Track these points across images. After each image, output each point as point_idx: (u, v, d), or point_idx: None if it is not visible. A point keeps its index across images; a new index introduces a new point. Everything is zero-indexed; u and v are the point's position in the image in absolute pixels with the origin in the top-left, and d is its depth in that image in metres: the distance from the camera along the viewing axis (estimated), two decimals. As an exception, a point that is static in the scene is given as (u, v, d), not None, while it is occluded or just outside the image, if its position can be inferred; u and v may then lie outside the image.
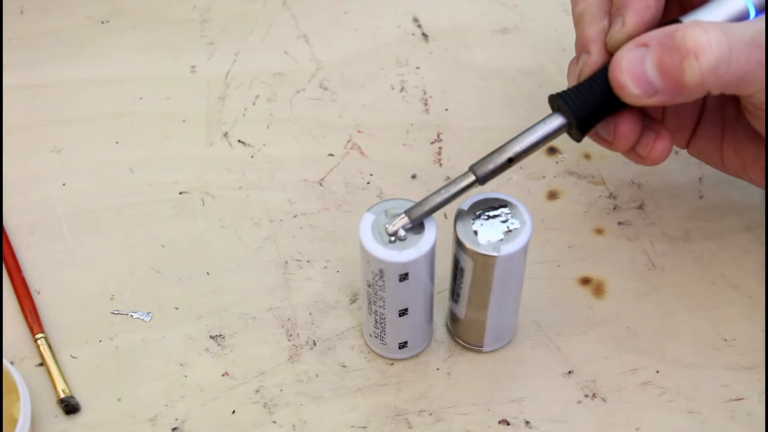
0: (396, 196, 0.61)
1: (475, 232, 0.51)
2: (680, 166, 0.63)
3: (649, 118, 0.53)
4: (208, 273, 0.59)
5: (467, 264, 0.51)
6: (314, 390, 0.55)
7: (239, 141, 0.64)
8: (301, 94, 0.66)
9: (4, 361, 0.53)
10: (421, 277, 0.51)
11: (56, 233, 0.60)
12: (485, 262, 0.51)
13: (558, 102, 0.51)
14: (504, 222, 0.51)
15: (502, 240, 0.51)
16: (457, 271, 0.53)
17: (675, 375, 0.55)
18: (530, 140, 0.51)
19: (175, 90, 0.67)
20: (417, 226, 0.50)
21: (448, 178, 0.62)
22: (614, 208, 0.61)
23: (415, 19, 0.70)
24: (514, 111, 0.66)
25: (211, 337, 0.57)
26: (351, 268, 0.59)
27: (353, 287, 0.58)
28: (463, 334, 0.56)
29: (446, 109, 0.66)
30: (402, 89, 0.67)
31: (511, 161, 0.50)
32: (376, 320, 0.53)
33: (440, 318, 0.57)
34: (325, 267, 0.59)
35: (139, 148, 0.64)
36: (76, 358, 0.56)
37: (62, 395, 0.54)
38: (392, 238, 0.50)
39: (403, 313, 0.53)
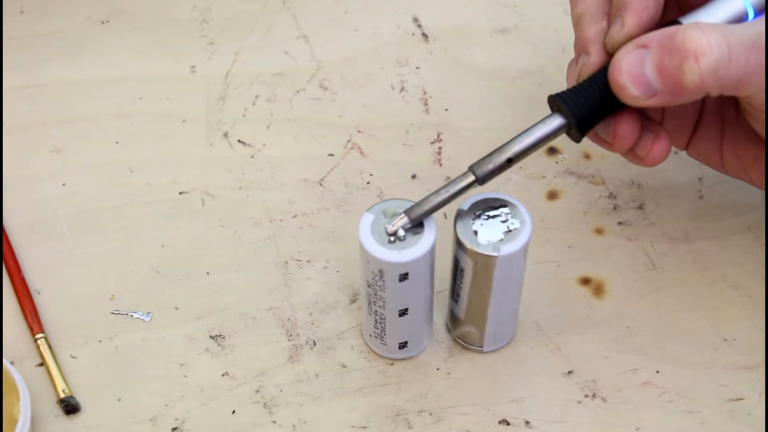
0: (396, 196, 0.61)
1: (475, 232, 0.51)
2: (680, 166, 0.63)
3: (648, 119, 0.53)
4: (208, 273, 0.59)
5: (467, 264, 0.51)
6: (314, 390, 0.55)
7: (239, 141, 0.64)
8: (301, 94, 0.66)
9: (4, 361, 0.53)
10: (421, 277, 0.51)
11: (56, 233, 0.61)
12: (485, 262, 0.51)
13: (557, 102, 0.51)
14: (504, 222, 0.51)
15: (502, 240, 0.51)
16: (457, 271, 0.53)
17: (675, 375, 0.55)
18: (530, 140, 0.51)
19: (175, 90, 0.67)
20: (417, 226, 0.50)
21: (448, 178, 0.62)
22: (614, 208, 0.61)
23: (415, 19, 0.70)
24: (514, 111, 0.66)
25: (211, 337, 0.57)
26: (351, 268, 0.59)
27: (353, 287, 0.58)
28: (463, 334, 0.56)
29: (446, 109, 0.66)
30: (402, 89, 0.67)
31: (510, 161, 0.50)
32: (376, 320, 0.53)
33: (440, 318, 0.57)
34: (325, 267, 0.59)
35: (139, 148, 0.64)
36: (76, 358, 0.56)
37: (62, 395, 0.55)
38: (392, 238, 0.50)
39: (403, 313, 0.53)
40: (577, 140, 0.52)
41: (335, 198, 0.62)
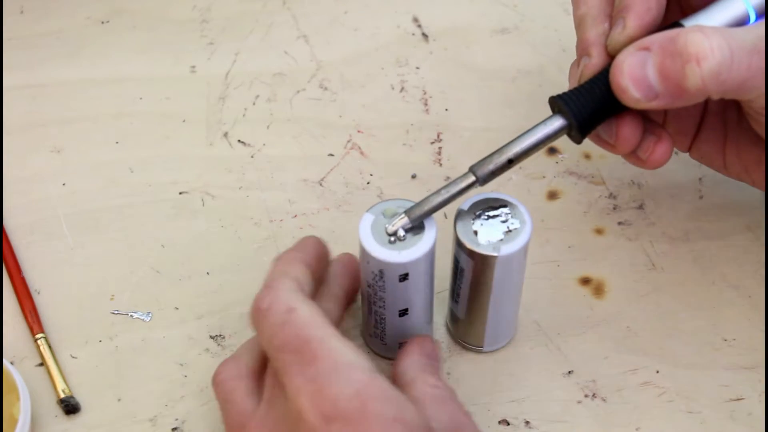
0: (396, 196, 0.61)
1: (475, 232, 0.51)
2: (680, 166, 0.63)
3: (651, 121, 0.53)
4: (208, 273, 0.59)
5: (467, 264, 0.51)
6: (314, 390, 0.55)
7: (239, 141, 0.64)
8: (301, 94, 0.66)
9: (4, 361, 0.53)
10: (421, 277, 0.51)
11: (56, 233, 0.61)
12: (485, 262, 0.51)
13: (558, 104, 0.51)
14: (504, 222, 0.51)
15: (502, 240, 0.51)
16: (457, 271, 0.53)
17: (675, 375, 0.55)
18: (530, 141, 0.51)
19: (175, 90, 0.67)
20: (417, 226, 0.50)
21: (448, 178, 0.62)
22: (614, 208, 0.61)
23: (415, 19, 0.70)
24: (514, 111, 0.66)
25: (211, 337, 0.57)
26: (351, 268, 0.59)
27: (353, 287, 0.58)
28: (463, 334, 0.56)
29: (446, 109, 0.66)
30: (402, 89, 0.67)
31: (511, 162, 0.50)
32: (376, 320, 0.53)
33: (440, 318, 0.57)
34: (325, 267, 0.59)
35: (139, 148, 0.64)
36: (76, 358, 0.56)
37: (62, 395, 0.55)
38: (392, 239, 0.50)
39: (403, 313, 0.53)
40: (578, 142, 0.52)
41: (335, 198, 0.62)
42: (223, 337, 0.57)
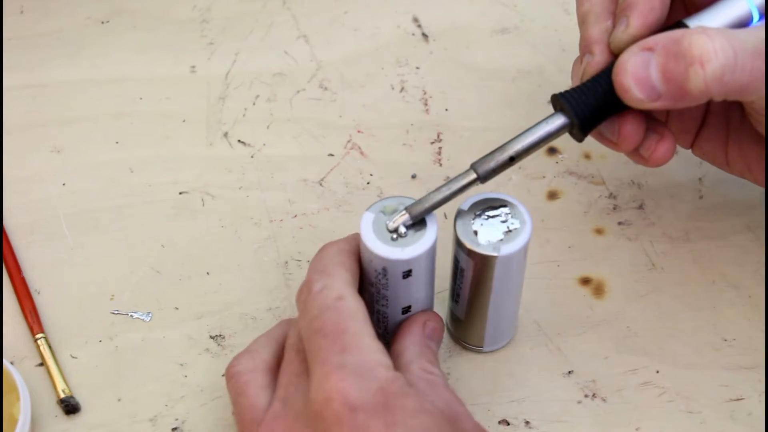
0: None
1: (475, 232, 0.51)
2: (680, 166, 0.63)
3: (653, 119, 0.53)
4: (208, 273, 0.59)
5: (467, 264, 0.51)
6: (314, 390, 0.55)
7: (239, 141, 0.64)
8: (301, 94, 0.66)
9: (4, 361, 0.53)
10: (423, 273, 0.51)
11: (56, 233, 0.60)
12: (485, 262, 0.51)
13: (560, 102, 0.51)
14: (504, 222, 0.51)
15: (502, 240, 0.51)
16: (457, 271, 0.53)
17: (675, 375, 0.55)
18: (532, 139, 0.51)
19: (175, 90, 0.67)
20: (418, 223, 0.50)
21: (448, 178, 0.62)
22: (614, 208, 0.61)
23: (415, 19, 0.70)
24: (514, 111, 0.66)
25: (211, 337, 0.57)
26: (351, 268, 0.59)
27: (353, 287, 0.58)
28: (463, 334, 0.56)
29: (446, 109, 0.66)
30: (402, 89, 0.67)
31: (512, 160, 0.50)
32: (378, 319, 0.53)
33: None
34: (325, 267, 0.59)
35: (139, 148, 0.64)
36: (76, 358, 0.56)
37: (62, 395, 0.54)
38: (394, 236, 0.50)
39: (406, 310, 0.53)
40: (580, 140, 0.52)
41: (335, 198, 0.62)
42: (223, 337, 0.57)
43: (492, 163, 0.50)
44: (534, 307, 0.58)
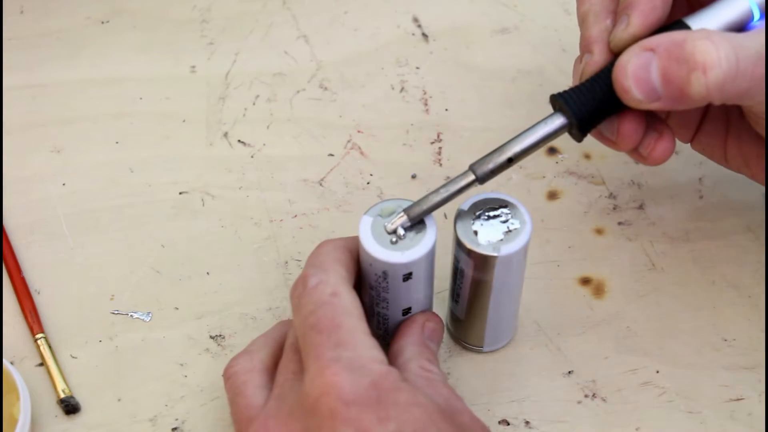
0: (396, 196, 0.61)
1: (475, 232, 0.51)
2: (680, 166, 0.63)
3: (653, 116, 0.53)
4: (208, 273, 0.59)
5: (467, 264, 0.51)
6: (314, 390, 0.55)
7: (239, 141, 0.64)
8: (301, 94, 0.66)
9: (4, 361, 0.53)
10: (423, 275, 0.51)
11: (56, 233, 0.60)
12: (485, 262, 0.51)
13: (559, 102, 0.51)
14: (504, 222, 0.51)
15: (502, 240, 0.51)
16: (457, 271, 0.53)
17: (675, 375, 0.55)
18: (530, 140, 0.51)
19: (175, 90, 0.67)
20: (417, 225, 0.50)
21: (448, 178, 0.62)
22: (614, 208, 0.61)
23: (415, 19, 0.70)
24: (514, 111, 0.66)
25: (211, 337, 0.57)
26: (351, 268, 0.59)
27: (353, 287, 0.58)
28: (463, 334, 0.56)
29: (446, 109, 0.66)
30: (402, 89, 0.67)
31: (511, 161, 0.50)
32: (379, 321, 0.53)
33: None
34: (325, 267, 0.59)
35: (139, 148, 0.64)
36: (76, 358, 0.56)
37: (62, 395, 0.54)
38: (393, 238, 0.50)
39: (407, 312, 0.53)
40: (579, 140, 0.52)
41: (335, 198, 0.62)
42: (223, 337, 0.57)
43: (490, 165, 0.50)
44: (534, 307, 0.58)
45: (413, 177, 0.63)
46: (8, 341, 0.57)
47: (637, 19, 0.50)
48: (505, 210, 0.51)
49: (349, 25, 0.70)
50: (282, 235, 0.60)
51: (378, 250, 0.49)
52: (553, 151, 0.63)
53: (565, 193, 0.62)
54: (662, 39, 0.49)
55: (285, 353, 0.50)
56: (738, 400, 0.55)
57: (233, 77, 0.67)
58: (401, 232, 0.50)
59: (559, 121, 0.51)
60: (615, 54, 0.51)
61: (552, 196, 0.62)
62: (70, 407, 0.54)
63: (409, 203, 0.50)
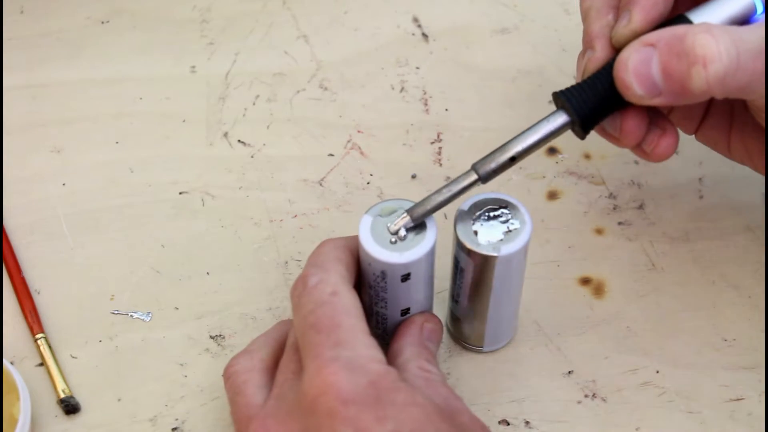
0: (396, 196, 0.61)
1: (475, 233, 0.51)
2: (680, 166, 0.63)
3: (656, 112, 0.53)
4: (208, 273, 0.59)
5: (467, 264, 0.51)
6: (314, 390, 0.55)
7: (239, 141, 0.64)
8: (301, 94, 0.66)
9: (4, 361, 0.53)
10: (422, 276, 0.51)
11: (56, 233, 0.60)
12: (485, 262, 0.51)
13: (561, 99, 0.51)
14: (504, 222, 0.51)
15: (502, 240, 0.51)
16: (457, 272, 0.53)
17: (675, 375, 0.55)
18: (533, 138, 0.50)
19: (175, 90, 0.67)
20: (417, 225, 0.50)
21: (448, 178, 0.62)
22: (614, 208, 0.61)
23: (415, 19, 0.70)
24: (514, 111, 0.66)
25: (211, 337, 0.57)
26: (351, 268, 0.59)
27: (353, 287, 0.58)
28: (463, 334, 0.56)
29: (446, 109, 0.66)
30: (402, 89, 0.67)
31: (513, 160, 0.50)
32: (377, 321, 0.53)
33: (440, 318, 0.57)
34: (325, 267, 0.59)
35: (139, 148, 0.64)
36: (76, 358, 0.56)
37: (62, 395, 0.54)
38: (393, 239, 0.50)
39: (405, 312, 0.53)
40: (582, 137, 0.51)
41: (335, 198, 0.62)
42: (223, 337, 0.57)
43: (493, 164, 0.50)
44: (534, 307, 0.58)
45: (413, 177, 0.63)
46: (8, 341, 0.57)
47: (639, 15, 0.50)
48: (505, 210, 0.51)
49: (349, 25, 0.70)
50: (282, 235, 0.60)
51: (377, 250, 0.49)
52: (553, 151, 0.63)
53: (565, 193, 0.62)
54: (663, 34, 0.48)
55: (286, 353, 0.50)
56: (738, 400, 0.55)
57: (233, 77, 0.67)
58: (403, 232, 0.50)
59: (561, 118, 0.51)
60: (617, 50, 0.51)
61: (552, 196, 0.62)
62: (70, 407, 0.54)
63: (410, 203, 0.50)
